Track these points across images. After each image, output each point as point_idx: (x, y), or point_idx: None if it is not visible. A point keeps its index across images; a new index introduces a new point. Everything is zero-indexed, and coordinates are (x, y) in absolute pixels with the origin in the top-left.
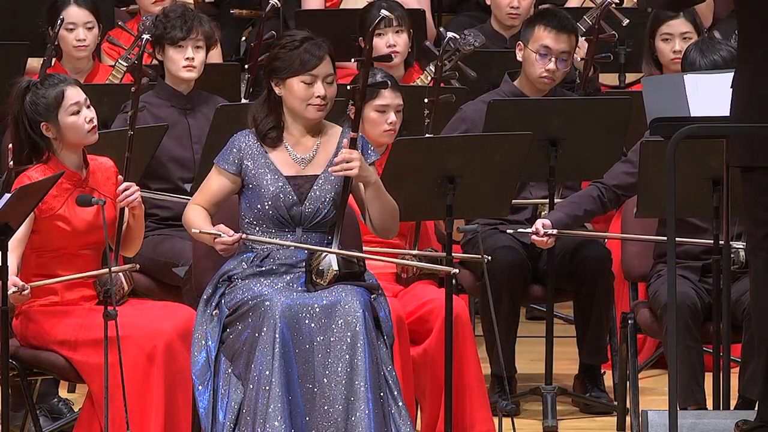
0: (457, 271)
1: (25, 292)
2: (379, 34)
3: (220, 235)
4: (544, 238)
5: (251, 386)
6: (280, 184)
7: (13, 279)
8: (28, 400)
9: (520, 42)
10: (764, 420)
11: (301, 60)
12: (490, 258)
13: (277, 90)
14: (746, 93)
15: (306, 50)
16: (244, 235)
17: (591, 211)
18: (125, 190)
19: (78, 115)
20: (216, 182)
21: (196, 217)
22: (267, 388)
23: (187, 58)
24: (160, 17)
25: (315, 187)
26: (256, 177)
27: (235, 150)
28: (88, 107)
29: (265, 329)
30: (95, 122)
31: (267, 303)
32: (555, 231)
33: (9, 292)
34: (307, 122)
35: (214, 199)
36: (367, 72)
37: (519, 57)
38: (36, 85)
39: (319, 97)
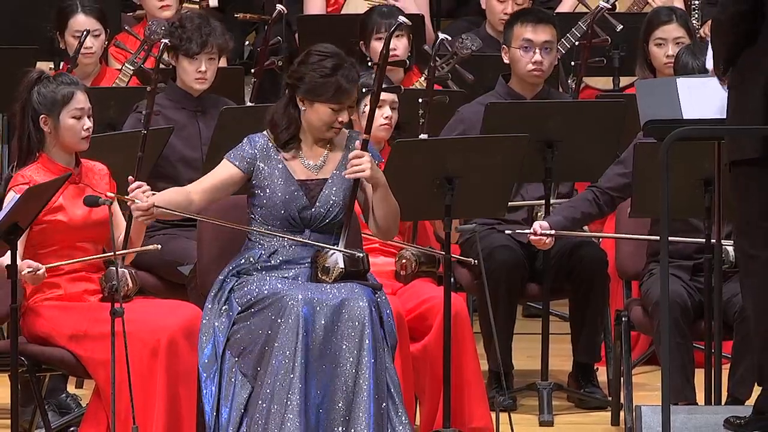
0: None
1: (40, 272)
2: (380, 38)
3: (135, 201)
4: (542, 239)
5: (267, 381)
6: (292, 188)
7: (27, 261)
8: (37, 395)
9: (503, 45)
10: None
11: (336, 90)
12: (475, 262)
13: (300, 104)
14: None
15: (341, 79)
16: (154, 199)
17: (588, 213)
18: (138, 188)
19: (79, 120)
20: (221, 174)
21: (167, 192)
22: (286, 385)
23: (199, 71)
24: (176, 25)
25: (325, 190)
26: (269, 180)
27: (250, 150)
28: (89, 116)
29: (285, 326)
30: (90, 132)
31: (286, 299)
32: (552, 231)
33: (23, 272)
34: (321, 139)
35: (210, 188)
36: (383, 75)
37: (506, 59)
38: (48, 78)
39: (341, 121)
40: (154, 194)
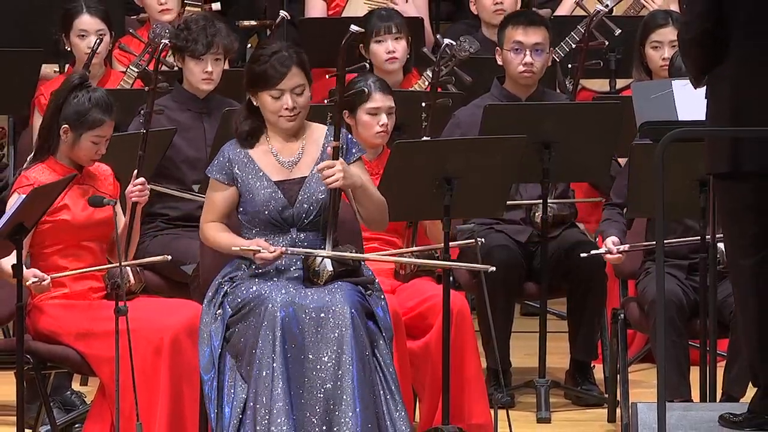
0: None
1: (45, 282)
2: (379, 41)
3: (259, 250)
4: (617, 255)
5: (253, 383)
6: (269, 190)
7: (33, 271)
8: (42, 392)
9: (497, 48)
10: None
11: (268, 75)
12: (483, 240)
13: (254, 101)
14: (729, 102)
15: (272, 66)
16: (284, 249)
17: (624, 223)
18: (140, 184)
19: (97, 144)
20: (217, 196)
21: (220, 234)
22: (268, 387)
23: (206, 72)
24: (182, 27)
25: (304, 189)
26: (246, 185)
27: (225, 160)
28: (106, 142)
29: (264, 330)
30: (100, 156)
31: (266, 303)
32: (627, 246)
33: (28, 283)
34: (283, 131)
35: (222, 213)
36: (342, 85)
37: (499, 61)
38: (87, 89)
39: (287, 109)
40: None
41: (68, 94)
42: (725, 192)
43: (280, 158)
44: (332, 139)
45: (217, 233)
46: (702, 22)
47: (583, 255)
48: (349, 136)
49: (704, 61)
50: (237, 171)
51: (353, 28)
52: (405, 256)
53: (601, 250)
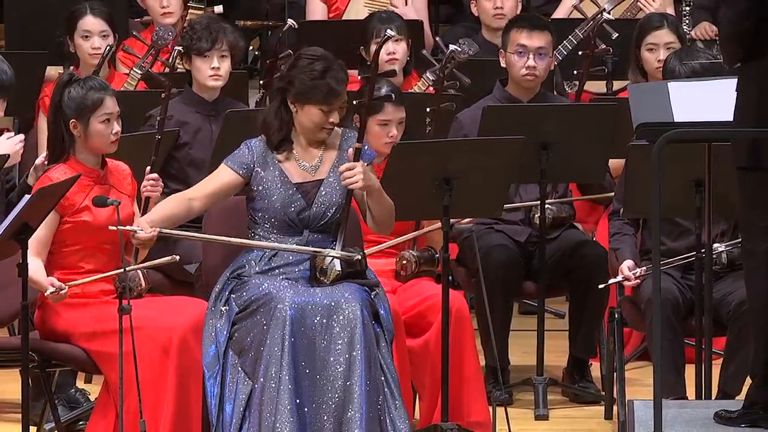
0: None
1: (63, 291)
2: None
3: (136, 231)
4: (636, 281)
5: (260, 381)
6: (290, 191)
7: (51, 279)
8: (47, 390)
9: (501, 50)
10: (753, 402)
11: (326, 93)
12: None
13: (292, 108)
14: (756, 102)
15: (330, 81)
16: (157, 231)
17: (635, 234)
18: (154, 180)
19: (108, 124)
20: (220, 179)
21: (161, 209)
22: (275, 384)
23: (213, 68)
24: (187, 28)
25: (321, 192)
26: (266, 184)
27: (248, 155)
28: (118, 120)
29: (273, 328)
30: (118, 136)
31: (276, 302)
32: (643, 269)
33: (47, 293)
34: (314, 141)
35: (211, 194)
36: (373, 87)
37: (503, 63)
38: (78, 81)
39: (332, 122)
40: (150, 225)
41: (62, 92)
42: (747, 180)
43: (302, 163)
44: (354, 141)
45: (166, 205)
46: (742, 21)
47: (601, 286)
48: (368, 148)
49: (740, 57)
50: (258, 168)
51: (389, 32)
52: (405, 257)
53: (618, 278)
